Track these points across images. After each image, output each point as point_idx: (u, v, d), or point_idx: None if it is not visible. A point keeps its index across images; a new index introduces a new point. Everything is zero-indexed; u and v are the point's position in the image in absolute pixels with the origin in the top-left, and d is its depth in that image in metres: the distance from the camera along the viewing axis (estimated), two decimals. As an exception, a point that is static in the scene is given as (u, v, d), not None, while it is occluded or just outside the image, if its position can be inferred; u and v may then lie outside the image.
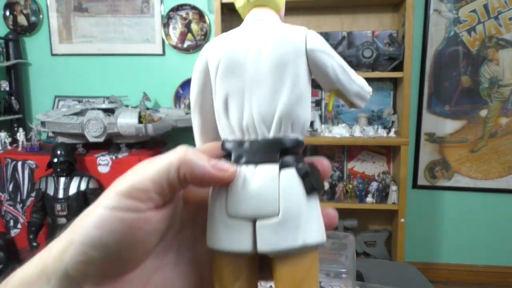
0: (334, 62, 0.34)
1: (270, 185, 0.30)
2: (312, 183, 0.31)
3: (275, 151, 0.31)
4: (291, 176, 0.31)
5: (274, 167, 0.31)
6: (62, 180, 2.11)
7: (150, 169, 0.29)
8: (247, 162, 0.31)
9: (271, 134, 0.32)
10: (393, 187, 2.21)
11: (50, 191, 2.10)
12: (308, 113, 0.33)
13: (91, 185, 2.13)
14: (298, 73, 0.32)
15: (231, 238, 0.31)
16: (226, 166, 0.31)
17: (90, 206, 0.31)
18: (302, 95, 0.32)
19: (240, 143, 0.32)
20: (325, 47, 0.33)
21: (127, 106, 2.40)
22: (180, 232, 0.34)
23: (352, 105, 0.37)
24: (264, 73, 0.31)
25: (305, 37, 0.32)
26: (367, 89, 0.38)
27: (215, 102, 0.33)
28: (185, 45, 2.58)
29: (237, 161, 0.32)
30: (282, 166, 0.31)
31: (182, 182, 0.29)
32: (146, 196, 0.29)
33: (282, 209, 0.30)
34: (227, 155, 0.33)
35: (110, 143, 2.29)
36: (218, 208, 0.32)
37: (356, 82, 0.36)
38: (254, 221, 0.30)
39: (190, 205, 0.34)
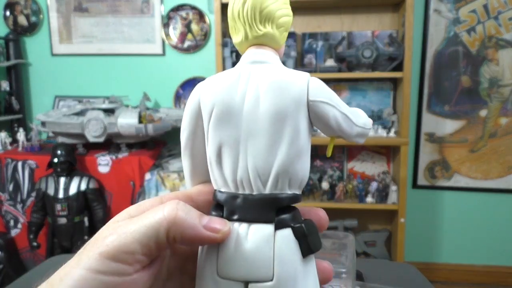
0: (336, 112, 0.31)
1: (264, 247, 0.29)
2: (309, 245, 0.29)
3: (270, 209, 0.30)
4: (287, 238, 0.29)
5: (269, 227, 0.29)
6: (62, 180, 2.11)
7: (137, 229, 0.27)
8: (240, 220, 0.30)
9: (267, 190, 0.30)
10: (393, 187, 2.21)
11: (50, 191, 2.11)
12: (307, 168, 0.31)
13: (91, 185, 2.13)
14: (298, 127, 0.30)
15: None
16: (219, 226, 0.29)
17: (69, 264, 0.28)
18: (301, 150, 0.30)
19: (233, 197, 0.30)
20: (327, 96, 0.31)
21: (127, 106, 2.40)
22: (167, 282, 0.32)
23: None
24: (261, 125, 0.30)
25: (307, 87, 0.30)
26: (369, 125, 0.35)
27: (207, 149, 0.32)
28: (185, 45, 2.58)
29: (230, 217, 0.30)
30: (278, 226, 0.29)
31: (172, 243, 0.28)
32: (133, 259, 0.27)
33: (276, 273, 0.28)
34: (218, 205, 0.31)
35: (110, 143, 2.29)
36: (209, 267, 0.30)
37: (359, 124, 0.33)
38: (246, 284, 0.29)
39: (178, 254, 0.33)
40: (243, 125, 0.30)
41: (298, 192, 0.31)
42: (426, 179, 2.51)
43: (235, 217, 0.30)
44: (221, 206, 0.31)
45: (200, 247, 0.31)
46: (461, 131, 2.44)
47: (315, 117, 0.31)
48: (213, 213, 0.31)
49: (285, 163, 0.30)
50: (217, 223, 0.29)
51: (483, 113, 2.41)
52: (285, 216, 0.30)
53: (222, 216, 0.30)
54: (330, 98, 0.31)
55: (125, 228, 0.28)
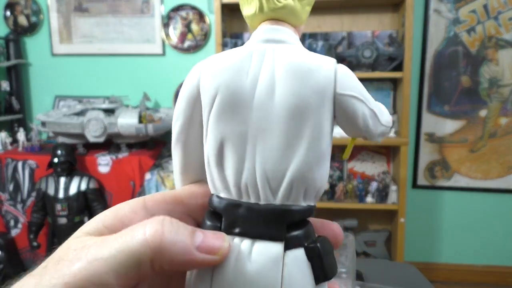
0: (366, 109, 0.26)
1: (272, 270, 0.24)
2: (324, 269, 0.25)
3: (280, 223, 0.24)
4: (299, 260, 0.24)
5: (278, 246, 0.24)
6: (63, 180, 2.11)
7: (113, 255, 0.22)
8: (242, 234, 0.24)
9: (277, 200, 0.25)
10: (393, 187, 2.21)
11: (51, 191, 2.11)
12: (326, 175, 0.26)
13: (91, 185, 2.13)
14: (320, 125, 0.25)
15: None
16: (217, 243, 0.23)
17: (28, 283, 0.23)
18: (322, 154, 0.25)
19: (235, 205, 0.25)
20: (357, 89, 0.26)
21: (127, 106, 2.40)
22: None
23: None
24: (275, 119, 0.24)
25: (334, 75, 0.25)
26: (390, 123, 0.30)
27: (205, 144, 0.26)
28: (185, 45, 2.58)
29: (229, 230, 0.25)
30: (288, 245, 0.24)
31: (157, 271, 0.23)
32: None
33: None
34: (215, 213, 0.26)
35: (110, 143, 2.29)
36: None
37: (383, 122, 0.28)
38: None
39: (162, 273, 0.25)
40: (252, 118, 0.25)
41: (313, 203, 0.26)
42: (426, 179, 2.51)
43: (236, 230, 0.25)
44: (219, 215, 0.26)
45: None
46: (461, 131, 2.44)
47: (342, 114, 0.26)
48: (208, 222, 0.26)
49: (302, 169, 0.24)
50: (214, 240, 0.23)
51: (483, 113, 2.41)
52: (297, 232, 0.25)
53: (219, 228, 0.25)
54: (361, 91, 0.26)
55: (96, 252, 0.22)
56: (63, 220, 2.11)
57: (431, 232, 2.58)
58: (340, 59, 2.21)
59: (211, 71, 0.26)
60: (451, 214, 2.55)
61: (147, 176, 2.19)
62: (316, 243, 0.25)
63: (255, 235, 0.24)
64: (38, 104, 2.78)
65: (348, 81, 0.25)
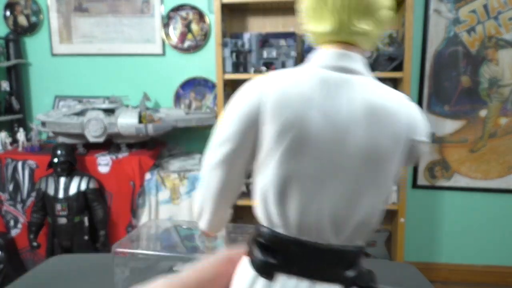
0: (427, 149, 0.23)
1: None
2: None
3: (340, 265, 0.21)
4: None
5: None
6: (63, 180, 2.11)
7: None
8: (300, 274, 0.21)
9: (338, 241, 0.22)
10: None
11: (51, 191, 2.11)
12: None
13: (91, 185, 2.13)
14: (392, 170, 0.22)
15: None
16: None
17: None
18: (386, 199, 0.22)
19: (294, 243, 0.21)
20: (426, 131, 0.22)
21: (127, 106, 2.40)
22: None
23: None
24: (349, 162, 0.21)
25: (412, 122, 0.21)
26: None
27: (261, 176, 0.22)
28: (185, 45, 2.58)
29: (286, 268, 0.21)
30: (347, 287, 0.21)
31: None
32: None
33: None
34: (265, 246, 0.22)
35: (110, 143, 2.29)
36: None
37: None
38: None
39: None
40: (324, 158, 0.21)
41: (364, 243, 0.23)
42: (426, 179, 2.51)
43: (294, 269, 0.22)
44: (271, 250, 0.22)
45: None
46: (461, 131, 2.44)
47: (412, 157, 0.22)
48: (261, 257, 0.22)
49: (369, 215, 0.22)
50: None
51: (483, 113, 2.41)
52: (352, 273, 0.22)
53: (274, 265, 0.21)
54: (427, 130, 0.22)
55: None
56: (63, 220, 2.11)
57: (431, 232, 2.58)
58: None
59: (279, 98, 0.21)
60: (451, 214, 2.55)
61: (147, 176, 2.19)
62: (371, 281, 0.22)
63: (316, 276, 0.21)
64: (38, 104, 2.77)
65: (421, 125, 0.22)
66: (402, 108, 0.22)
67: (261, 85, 0.22)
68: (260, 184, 0.22)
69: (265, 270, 0.21)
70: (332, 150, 0.20)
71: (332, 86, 0.20)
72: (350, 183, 0.20)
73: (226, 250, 0.27)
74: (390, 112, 0.20)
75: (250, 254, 0.23)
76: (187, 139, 2.62)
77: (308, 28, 0.25)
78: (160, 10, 2.57)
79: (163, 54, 2.61)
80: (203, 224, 0.32)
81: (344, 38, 0.22)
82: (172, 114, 2.32)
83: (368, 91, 0.21)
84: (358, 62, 0.22)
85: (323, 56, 0.22)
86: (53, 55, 2.71)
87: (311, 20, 0.24)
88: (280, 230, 0.22)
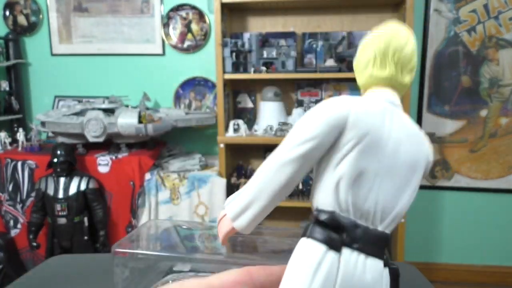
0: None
1: (379, 282, 0.31)
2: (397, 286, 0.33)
3: (383, 246, 0.32)
4: (388, 277, 0.32)
5: (381, 264, 0.31)
6: (62, 180, 2.11)
7: None
8: (360, 250, 0.31)
9: (381, 227, 0.32)
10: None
11: (50, 191, 2.10)
12: None
13: (91, 185, 2.13)
14: (419, 179, 0.34)
15: None
16: None
17: None
18: (413, 200, 0.34)
19: (355, 225, 0.31)
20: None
21: (127, 106, 2.40)
22: None
23: None
24: (398, 167, 0.32)
25: (430, 149, 0.35)
26: None
27: (337, 168, 0.32)
28: (185, 45, 2.58)
29: (351, 245, 0.31)
30: (385, 264, 0.31)
31: None
32: None
33: None
34: (335, 227, 0.31)
35: (110, 143, 2.29)
36: None
37: None
38: None
39: None
40: (384, 161, 0.32)
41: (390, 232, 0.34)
42: (426, 179, 2.51)
43: (356, 246, 0.31)
44: (336, 229, 0.31)
45: (311, 270, 0.30)
46: (461, 131, 2.44)
47: (423, 175, 0.35)
48: (333, 235, 0.31)
49: (403, 209, 0.33)
50: None
51: (483, 113, 2.41)
52: (386, 256, 0.32)
53: (340, 241, 0.31)
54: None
55: None
56: (62, 220, 2.10)
57: (431, 232, 2.58)
58: (340, 59, 2.21)
59: (362, 112, 0.32)
60: (451, 214, 2.55)
61: (147, 176, 2.19)
62: (396, 266, 0.32)
63: (370, 252, 0.31)
64: (37, 104, 2.77)
65: (432, 150, 0.36)
66: (425, 137, 0.35)
67: (350, 100, 0.33)
68: (336, 176, 0.31)
69: (334, 244, 0.31)
70: (390, 157, 0.32)
71: (390, 113, 0.33)
72: (398, 182, 0.32)
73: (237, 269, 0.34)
74: (421, 138, 0.34)
75: (311, 235, 0.31)
76: (187, 139, 2.62)
77: (370, 72, 0.36)
78: (160, 10, 2.57)
79: (163, 54, 2.61)
80: (243, 221, 0.34)
81: (391, 84, 0.35)
82: (172, 114, 2.31)
83: (407, 121, 0.34)
84: (398, 99, 0.35)
85: (382, 93, 0.35)
86: (53, 55, 2.70)
87: (372, 65, 0.35)
88: (345, 214, 0.31)
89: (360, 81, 0.37)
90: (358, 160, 0.31)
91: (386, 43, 0.35)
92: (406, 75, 0.35)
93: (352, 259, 0.30)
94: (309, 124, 0.32)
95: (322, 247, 0.31)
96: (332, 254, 0.30)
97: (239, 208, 0.35)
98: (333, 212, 0.31)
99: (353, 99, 0.33)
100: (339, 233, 0.31)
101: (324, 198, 0.32)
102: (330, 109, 0.32)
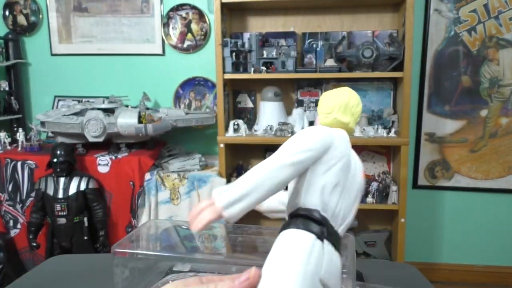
0: None
1: (340, 270, 0.41)
2: None
3: (339, 244, 0.42)
4: None
5: (339, 256, 0.43)
6: (62, 180, 2.11)
7: None
8: (332, 244, 0.40)
9: (339, 230, 0.42)
10: (393, 187, 2.21)
11: (50, 191, 2.10)
12: None
13: (90, 185, 2.13)
14: (360, 199, 0.46)
15: None
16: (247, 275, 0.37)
17: None
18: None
19: (330, 224, 0.40)
20: None
21: (127, 106, 2.39)
22: None
23: None
24: (355, 186, 0.43)
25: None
26: None
27: (324, 176, 0.41)
28: (185, 45, 2.58)
29: (328, 238, 0.40)
30: None
31: None
32: None
33: None
34: (314, 221, 0.40)
35: (110, 143, 2.28)
36: (317, 272, 0.38)
37: None
38: None
39: None
40: (350, 179, 0.42)
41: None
42: (427, 179, 2.51)
43: (330, 239, 0.40)
44: (321, 224, 0.40)
45: (306, 254, 0.38)
46: (461, 131, 2.44)
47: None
48: (318, 228, 0.40)
49: (352, 219, 0.43)
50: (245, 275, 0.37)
51: (483, 113, 2.41)
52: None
53: (323, 234, 0.40)
54: None
55: None
56: (62, 220, 2.10)
57: (431, 232, 2.58)
58: (340, 59, 2.21)
59: (340, 137, 0.44)
60: (451, 214, 2.55)
61: (147, 176, 2.19)
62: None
63: (336, 246, 0.41)
64: (37, 104, 2.77)
65: None
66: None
67: (333, 134, 0.43)
68: (322, 182, 0.40)
69: (319, 236, 0.38)
70: (352, 177, 0.41)
71: (350, 145, 0.45)
72: (353, 198, 0.41)
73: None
74: (362, 166, 0.45)
75: (304, 227, 0.39)
76: (187, 139, 2.62)
77: (335, 115, 0.47)
78: (160, 10, 2.57)
79: (163, 54, 2.61)
80: (234, 210, 0.39)
81: (347, 127, 0.47)
82: (172, 114, 2.31)
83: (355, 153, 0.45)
84: None
85: (344, 133, 0.46)
86: (53, 55, 2.70)
87: (338, 112, 0.46)
88: (324, 213, 0.40)
89: (324, 122, 0.48)
90: (338, 173, 0.41)
91: (347, 98, 0.48)
92: (354, 122, 0.48)
93: (330, 249, 0.39)
94: (309, 138, 0.41)
95: (312, 236, 0.39)
96: (319, 243, 0.39)
97: (233, 199, 0.39)
98: (319, 211, 0.40)
99: (333, 132, 0.44)
100: (321, 227, 0.39)
101: (311, 199, 0.41)
102: (322, 131, 0.42)
